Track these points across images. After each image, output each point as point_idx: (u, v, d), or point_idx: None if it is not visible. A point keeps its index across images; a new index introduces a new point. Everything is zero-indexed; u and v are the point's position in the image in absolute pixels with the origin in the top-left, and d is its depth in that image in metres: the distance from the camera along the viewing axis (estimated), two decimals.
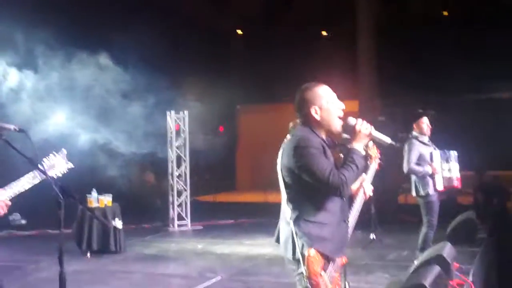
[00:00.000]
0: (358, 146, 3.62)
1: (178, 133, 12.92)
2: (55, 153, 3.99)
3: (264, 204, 17.41)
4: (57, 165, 4.02)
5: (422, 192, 7.68)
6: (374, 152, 4.17)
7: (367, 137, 3.66)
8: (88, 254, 9.61)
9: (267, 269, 8.49)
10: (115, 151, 11.14)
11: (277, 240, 3.80)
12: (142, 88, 10.95)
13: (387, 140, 3.79)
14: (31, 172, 3.84)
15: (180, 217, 12.85)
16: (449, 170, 7.88)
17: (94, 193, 9.93)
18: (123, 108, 10.99)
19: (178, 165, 12.89)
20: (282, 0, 18.81)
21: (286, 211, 3.61)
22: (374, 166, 4.17)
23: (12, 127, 3.65)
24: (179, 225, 12.74)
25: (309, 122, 3.65)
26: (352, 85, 18.85)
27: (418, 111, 7.94)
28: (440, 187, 7.72)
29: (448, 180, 7.85)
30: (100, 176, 11.77)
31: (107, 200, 9.99)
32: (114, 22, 12.88)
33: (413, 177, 7.80)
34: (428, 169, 7.63)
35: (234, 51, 19.85)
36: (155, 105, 11.52)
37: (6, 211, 3.84)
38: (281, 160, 3.65)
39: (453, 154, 7.99)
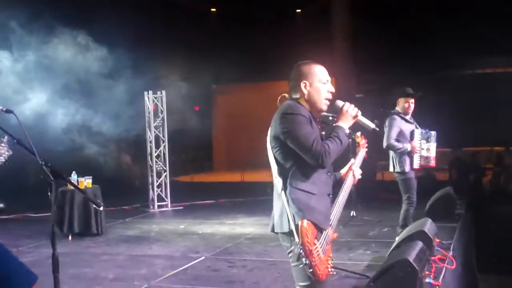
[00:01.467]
0: (344, 124, 3.73)
1: (156, 113, 12.85)
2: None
3: (242, 183, 17.52)
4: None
5: (398, 169, 7.76)
6: (361, 140, 4.32)
7: (353, 118, 3.78)
8: (70, 237, 9.57)
9: (249, 248, 8.53)
10: (94, 132, 11.08)
11: (273, 229, 3.82)
12: (119, 68, 10.85)
13: (371, 125, 3.93)
14: None
15: (160, 198, 12.83)
16: (428, 149, 8.00)
17: (74, 175, 9.86)
18: (100, 89, 10.91)
19: (157, 146, 12.83)
20: None
21: (277, 184, 3.69)
22: (362, 153, 4.30)
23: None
24: (159, 206, 12.72)
25: (297, 94, 3.78)
26: (328, 63, 18.96)
27: (407, 91, 7.99)
28: (416, 165, 7.83)
29: (426, 159, 7.97)
30: (79, 158, 11.70)
31: (87, 182, 9.93)
32: (91, 1, 12.74)
33: (391, 153, 7.87)
34: (407, 146, 7.70)
35: (209, 30, 19.71)
36: (133, 86, 11.45)
37: None
38: (270, 132, 3.76)
39: (433, 134, 8.10)
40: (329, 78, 3.82)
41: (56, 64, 10.05)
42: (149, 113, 12.76)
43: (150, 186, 12.80)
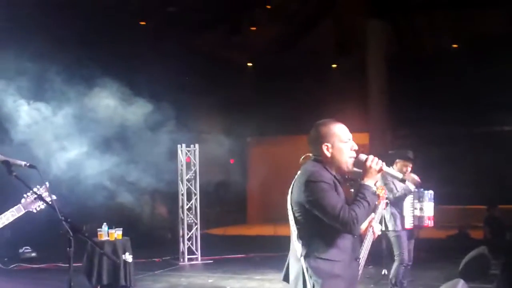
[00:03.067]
0: (370, 182, 3.61)
1: (188, 166, 12.91)
2: (38, 186, 4.02)
3: (274, 237, 17.34)
4: (40, 199, 4.03)
5: (390, 227, 7.81)
6: (381, 192, 4.26)
7: (377, 172, 3.65)
8: None
9: None
10: (128, 184, 11.17)
11: (285, 278, 3.83)
12: (153, 121, 11.00)
13: (399, 175, 3.88)
14: (15, 207, 3.89)
15: (190, 251, 12.77)
16: (421, 209, 8.00)
17: (104, 227, 9.92)
18: (136, 141, 11.05)
19: (189, 199, 12.86)
20: (293, 33, 18.93)
21: (297, 248, 3.60)
22: (382, 206, 4.25)
23: (23, 163, 3.69)
24: (189, 259, 12.64)
25: (320, 157, 3.68)
26: (362, 118, 18.91)
27: (408, 154, 7.98)
28: (408, 225, 7.86)
29: (419, 219, 7.99)
30: (112, 209, 11.80)
31: (117, 233, 9.97)
32: (126, 56, 13.02)
33: (388, 211, 7.85)
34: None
35: (245, 84, 19.91)
36: (167, 139, 11.56)
37: None
38: (292, 195, 3.67)
39: (428, 193, 8.06)
40: (350, 136, 3.73)
41: (94, 116, 10.23)
42: (181, 166, 12.83)
43: (181, 239, 12.77)
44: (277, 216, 18.72)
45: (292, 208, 3.67)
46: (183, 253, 12.69)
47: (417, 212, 7.94)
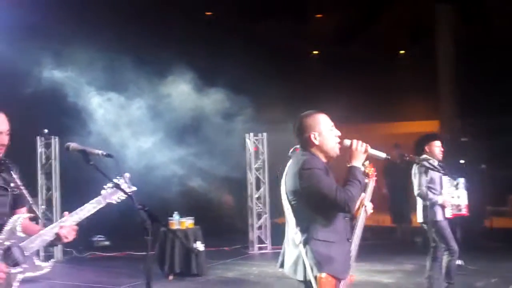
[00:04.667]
0: (357, 163, 3.91)
1: (257, 155, 12.92)
2: (118, 177, 4.02)
3: None
4: (120, 189, 4.02)
5: (430, 219, 7.42)
6: (370, 170, 4.33)
7: (363, 154, 3.94)
8: (170, 277, 9.68)
9: None
10: (198, 173, 11.26)
11: (282, 265, 4.12)
12: (223, 110, 11.04)
13: (383, 155, 4.08)
14: (95, 198, 3.90)
15: (260, 240, 12.80)
16: (458, 197, 7.66)
17: (176, 216, 10.03)
18: (205, 130, 11.12)
19: (258, 187, 12.87)
20: (359, 20, 18.66)
21: (295, 235, 3.83)
22: (372, 184, 4.32)
23: (100, 152, 3.71)
24: (259, 248, 12.68)
25: (309, 146, 3.92)
26: (431, 105, 18.50)
27: (431, 134, 7.68)
28: (448, 214, 7.50)
29: (457, 207, 7.63)
30: (183, 198, 11.92)
31: (188, 222, 10.07)
32: (197, 46, 13.09)
33: (420, 203, 7.57)
34: (438, 198, 7.40)
35: (311, 72, 19.76)
36: (236, 127, 11.59)
37: (75, 235, 3.86)
38: (286, 185, 3.93)
39: (461, 181, 7.74)
40: (332, 123, 3.97)
41: (167, 105, 10.35)
42: (250, 154, 12.84)
43: (250, 228, 12.80)
44: None
45: (287, 198, 3.90)
46: (252, 242, 12.72)
47: (455, 201, 7.57)
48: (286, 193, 3.91)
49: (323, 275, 3.69)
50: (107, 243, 13.40)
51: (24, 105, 9.94)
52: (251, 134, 12.80)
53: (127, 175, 3.96)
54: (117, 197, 3.96)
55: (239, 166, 12.71)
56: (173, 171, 10.50)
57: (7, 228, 3.62)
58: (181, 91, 10.14)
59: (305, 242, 3.76)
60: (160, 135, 9.99)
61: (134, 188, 3.99)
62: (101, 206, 3.90)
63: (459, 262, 9.66)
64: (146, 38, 11.88)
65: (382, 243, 12.85)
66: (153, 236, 3.62)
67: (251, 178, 12.81)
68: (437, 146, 7.59)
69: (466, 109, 17.18)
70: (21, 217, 3.72)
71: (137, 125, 9.62)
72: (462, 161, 10.83)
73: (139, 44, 10.93)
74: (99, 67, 9.33)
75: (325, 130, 3.90)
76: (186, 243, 9.25)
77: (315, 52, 20.81)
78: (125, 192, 3.59)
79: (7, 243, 3.58)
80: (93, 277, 10.06)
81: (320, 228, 3.78)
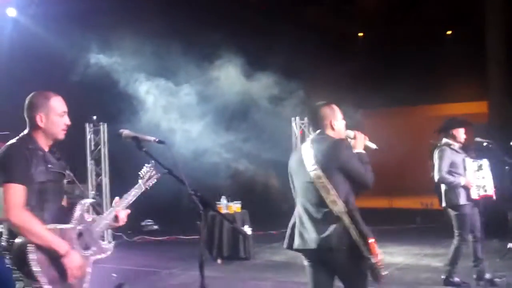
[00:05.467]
0: (361, 150, 4.58)
1: (303, 139, 12.90)
2: (146, 165, 4.14)
3: (389, 210, 17.11)
4: (151, 177, 4.17)
5: (453, 203, 7.37)
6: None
7: (363, 143, 4.64)
8: (219, 261, 9.78)
9: (399, 278, 8.26)
10: (244, 157, 11.31)
11: (290, 247, 4.60)
12: (269, 94, 11.03)
13: (374, 146, 4.70)
14: (136, 185, 4.04)
15: None
16: (483, 178, 7.52)
17: (223, 200, 10.11)
18: (251, 114, 11.14)
19: None
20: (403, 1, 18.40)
21: (336, 208, 4.25)
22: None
23: (152, 139, 3.78)
24: None
25: (328, 131, 4.50)
26: (480, 86, 18.16)
27: (462, 120, 7.56)
28: (475, 195, 7.37)
29: (483, 188, 7.50)
30: (230, 182, 11.99)
31: (236, 207, 10.14)
32: (241, 31, 13.07)
33: (443, 187, 7.49)
34: (461, 180, 7.31)
35: (356, 55, 19.59)
36: (281, 112, 11.58)
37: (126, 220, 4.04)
38: (327, 158, 4.32)
39: (485, 162, 7.60)
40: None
41: (213, 89, 10.40)
42: (296, 138, 12.82)
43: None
44: (392, 189, 18.59)
45: (324, 173, 4.30)
46: None
47: (480, 182, 7.48)
48: (322, 169, 4.31)
49: (372, 240, 4.18)
50: (155, 227, 13.60)
51: (73, 92, 10.06)
52: (297, 118, 12.77)
53: (152, 162, 4.07)
54: (151, 182, 4.10)
55: (286, 150, 12.71)
56: (220, 155, 10.57)
57: (77, 213, 3.72)
58: (229, 75, 10.16)
59: (348, 212, 4.24)
60: (207, 120, 10.06)
61: (159, 175, 4.11)
62: (142, 191, 4.04)
63: (510, 245, 9.54)
64: (193, 23, 11.92)
65: (431, 226, 12.74)
66: (204, 221, 3.67)
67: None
68: (462, 132, 7.52)
69: None
70: (87, 202, 3.86)
71: (185, 110, 9.70)
72: None
73: (187, 29, 10.96)
74: (147, 53, 9.42)
75: (339, 119, 4.56)
76: (237, 226, 9.34)
77: (360, 34, 20.60)
78: (178, 179, 3.63)
79: (79, 227, 3.69)
80: (144, 261, 10.22)
81: (353, 199, 4.37)
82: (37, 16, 11.80)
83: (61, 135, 3.77)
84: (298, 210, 4.60)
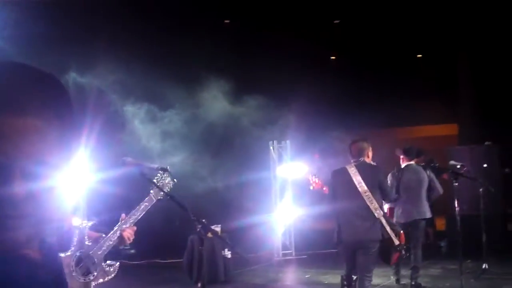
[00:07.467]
0: None
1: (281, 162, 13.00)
2: (160, 172, 4.17)
3: None
4: (165, 184, 4.20)
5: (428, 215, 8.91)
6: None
7: None
8: (199, 284, 9.80)
9: None
10: (223, 181, 11.39)
11: (340, 241, 6.84)
12: (246, 118, 11.15)
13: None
14: (146, 198, 4.07)
15: (284, 246, 12.88)
16: None
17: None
18: (230, 139, 11.23)
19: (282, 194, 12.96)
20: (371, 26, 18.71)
21: (375, 210, 6.57)
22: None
23: (155, 166, 3.87)
24: (283, 254, 12.75)
25: (366, 159, 6.91)
26: (450, 109, 18.53)
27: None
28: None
29: None
30: (206, 206, 12.02)
31: (216, 230, 10.18)
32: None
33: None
34: None
35: (329, 78, 19.83)
36: (259, 135, 11.70)
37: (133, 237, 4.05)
38: (371, 177, 6.69)
39: None
40: None
41: (195, 114, 10.48)
42: (274, 162, 12.92)
43: (275, 234, 12.87)
44: None
45: (371, 187, 6.63)
46: (277, 248, 12.79)
47: None
48: (372, 184, 6.62)
49: (401, 231, 6.92)
50: (132, 251, 13.52)
51: None
52: (275, 141, 12.86)
53: (169, 168, 4.12)
54: (161, 194, 4.15)
55: (264, 173, 12.83)
56: (200, 178, 10.65)
57: (76, 238, 3.75)
58: (210, 100, 10.28)
59: (382, 214, 6.66)
60: (186, 143, 10.13)
61: (175, 181, 4.16)
62: (152, 203, 4.08)
63: (484, 265, 9.77)
64: (175, 48, 12.01)
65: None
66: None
67: (276, 184, 12.88)
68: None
69: (485, 112, 17.19)
70: (87, 226, 3.87)
71: (167, 136, 9.76)
72: (485, 165, 10.90)
73: (170, 55, 11.07)
74: (128, 77, 9.48)
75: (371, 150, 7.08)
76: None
77: (332, 57, 20.87)
78: (181, 205, 3.72)
79: (78, 253, 3.73)
80: (126, 285, 10.16)
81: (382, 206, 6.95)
82: (12, 38, 11.77)
83: None
84: (345, 213, 6.68)
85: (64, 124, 1.17)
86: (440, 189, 8.89)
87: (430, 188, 8.80)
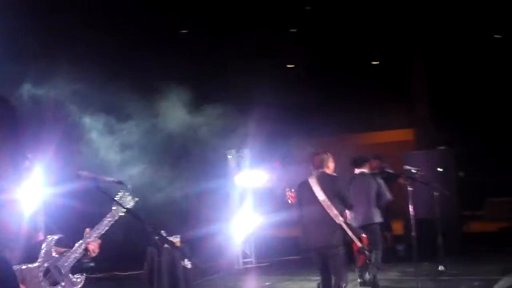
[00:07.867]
0: None
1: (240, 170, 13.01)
2: (122, 190, 4.21)
3: None
4: (126, 201, 4.24)
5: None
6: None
7: None
8: None
9: None
10: (179, 191, 11.36)
11: (306, 246, 7.57)
12: (203, 126, 11.14)
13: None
14: (109, 214, 4.10)
15: (245, 255, 12.90)
16: None
17: (163, 234, 10.11)
18: (189, 147, 11.22)
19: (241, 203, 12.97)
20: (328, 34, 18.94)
21: (334, 215, 7.14)
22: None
23: (111, 179, 3.89)
24: (244, 263, 12.76)
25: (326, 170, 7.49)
26: (406, 114, 18.84)
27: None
28: None
29: None
30: (165, 217, 11.98)
31: (175, 241, 10.16)
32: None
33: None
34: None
35: (288, 84, 19.95)
36: (217, 145, 11.71)
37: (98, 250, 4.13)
38: (329, 187, 7.27)
39: None
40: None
41: (153, 125, 10.45)
42: (232, 170, 12.94)
43: (235, 243, 12.87)
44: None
45: (330, 194, 7.22)
46: (237, 256, 12.79)
47: None
48: (332, 193, 7.22)
49: (364, 235, 7.47)
50: (91, 264, 13.36)
51: None
52: (233, 150, 12.89)
53: (129, 186, 4.14)
54: (122, 211, 4.18)
55: (223, 182, 12.84)
56: (158, 189, 10.61)
57: (43, 250, 3.76)
58: (168, 110, 10.27)
59: (344, 219, 7.20)
60: (145, 153, 10.10)
61: (137, 199, 4.19)
62: (115, 219, 4.10)
63: (441, 267, 9.97)
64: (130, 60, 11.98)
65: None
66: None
67: (235, 193, 12.90)
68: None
69: (440, 116, 17.52)
70: (53, 239, 3.89)
71: (126, 147, 9.72)
72: (440, 169, 11.11)
73: (127, 65, 11.02)
74: (87, 87, 9.41)
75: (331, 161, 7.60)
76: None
77: (290, 66, 21.03)
78: (138, 218, 3.76)
79: (45, 264, 3.74)
80: None
81: (345, 214, 7.40)
82: None
83: None
84: (309, 221, 7.27)
85: (18, 141, 1.19)
86: (388, 195, 9.21)
87: (379, 194, 9.08)
